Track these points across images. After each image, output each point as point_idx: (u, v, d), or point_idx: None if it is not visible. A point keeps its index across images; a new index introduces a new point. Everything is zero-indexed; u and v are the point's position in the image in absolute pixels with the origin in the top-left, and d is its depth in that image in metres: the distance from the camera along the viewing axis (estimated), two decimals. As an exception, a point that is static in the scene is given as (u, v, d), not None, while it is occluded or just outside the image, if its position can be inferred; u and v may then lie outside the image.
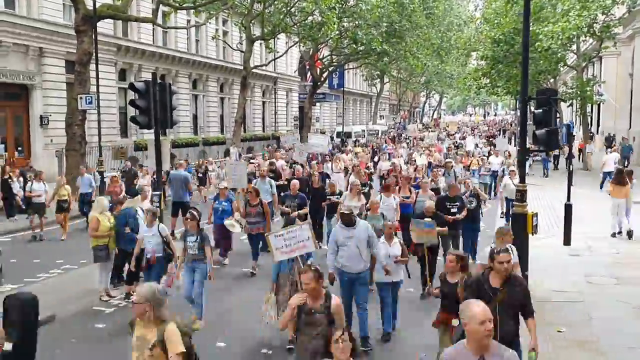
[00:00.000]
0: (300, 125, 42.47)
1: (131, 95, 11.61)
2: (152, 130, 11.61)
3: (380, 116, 69.70)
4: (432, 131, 52.07)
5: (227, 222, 11.62)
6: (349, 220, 7.63)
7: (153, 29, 29.54)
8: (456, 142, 37.86)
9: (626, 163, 23.86)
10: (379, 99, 65.47)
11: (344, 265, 7.55)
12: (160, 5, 22.17)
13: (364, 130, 49.94)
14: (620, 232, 13.85)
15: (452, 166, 17.71)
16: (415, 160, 21.60)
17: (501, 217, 16.17)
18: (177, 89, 30.86)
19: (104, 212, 9.82)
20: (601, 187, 20.89)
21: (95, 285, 9.85)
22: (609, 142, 28.56)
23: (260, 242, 11.12)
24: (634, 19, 27.67)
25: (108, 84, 25.91)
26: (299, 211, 11.48)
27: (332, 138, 31.66)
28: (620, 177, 14.08)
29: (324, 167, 19.64)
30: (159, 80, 12.14)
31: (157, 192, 11.74)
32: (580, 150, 28.07)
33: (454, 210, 10.95)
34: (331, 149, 30.98)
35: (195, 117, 35.08)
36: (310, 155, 24.85)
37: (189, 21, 32.31)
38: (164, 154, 11.82)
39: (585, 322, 8.30)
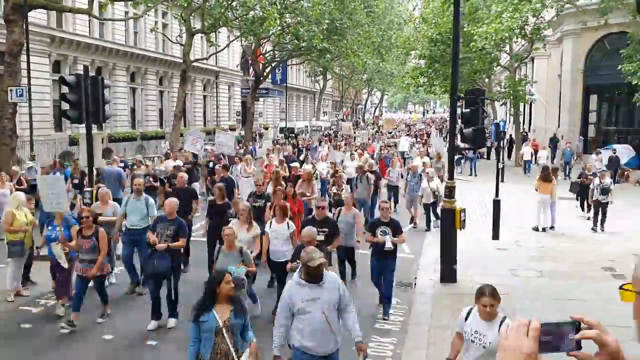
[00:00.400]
0: (243, 120, 42.17)
1: (65, 87, 11.26)
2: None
3: (324, 112, 70.11)
4: (364, 129, 51.76)
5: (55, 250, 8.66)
6: (316, 275, 5.15)
7: (89, 20, 28.64)
8: (390, 142, 35.53)
9: (567, 169, 24.50)
10: (322, 96, 65.83)
11: (305, 345, 5.16)
12: (96, -5, 21.54)
13: (307, 126, 50.13)
14: (544, 228, 14.61)
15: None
16: (343, 166, 18.85)
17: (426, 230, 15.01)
18: (113, 82, 30.50)
19: (20, 207, 9.49)
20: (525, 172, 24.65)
21: (7, 285, 9.47)
22: (554, 142, 29.58)
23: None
24: (562, 23, 28.94)
25: (41, 76, 25.01)
26: (172, 244, 8.14)
27: (238, 140, 28.60)
28: (547, 174, 14.80)
29: (232, 170, 16.80)
30: (94, 74, 11.88)
31: (89, 189, 11.48)
32: (536, 151, 28.18)
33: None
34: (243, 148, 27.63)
35: (133, 111, 34.30)
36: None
37: (126, 13, 31.54)
38: (95, 149, 11.53)
39: (509, 314, 8.69)
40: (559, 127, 31.61)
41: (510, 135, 33.13)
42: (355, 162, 18.80)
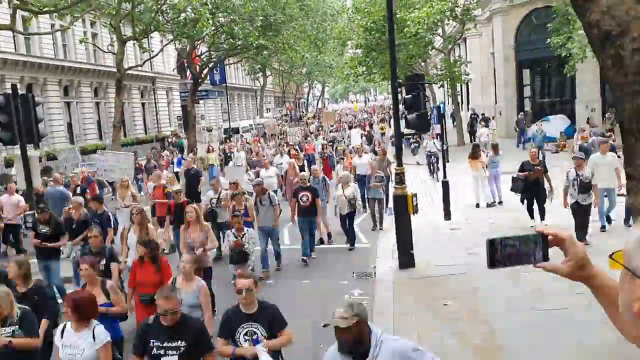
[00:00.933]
0: (185, 125, 41.46)
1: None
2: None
3: (267, 109, 69.74)
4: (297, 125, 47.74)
5: None
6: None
7: (13, 35, 27.46)
8: (331, 137, 32.97)
9: (541, 155, 24.24)
10: (264, 93, 65.45)
11: None
12: (18, 10, 20.64)
13: (251, 125, 49.75)
14: (489, 204, 15.01)
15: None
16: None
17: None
18: (46, 97, 29.42)
19: None
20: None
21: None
22: (486, 121, 30.21)
23: None
24: (490, 1, 29.71)
25: (-34, 98, 23.82)
26: None
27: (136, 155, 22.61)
28: (474, 152, 15.36)
29: (116, 197, 13.73)
30: (25, 91, 11.44)
31: (30, 212, 11.01)
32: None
33: None
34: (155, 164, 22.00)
35: (70, 126, 33.17)
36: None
37: (53, 25, 30.38)
38: (33, 169, 11.07)
39: (470, 292, 8.88)
40: (496, 103, 32.48)
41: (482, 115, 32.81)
42: (273, 170, 16.93)
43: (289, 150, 22.74)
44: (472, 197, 15.34)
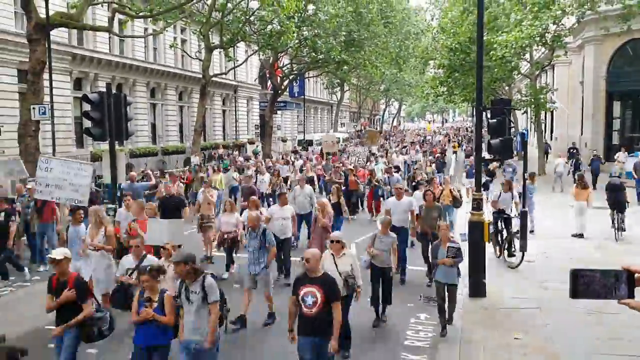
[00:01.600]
0: (262, 134, 42.35)
1: (87, 105, 11.25)
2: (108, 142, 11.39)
3: (342, 124, 70.15)
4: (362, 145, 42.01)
5: None
6: None
7: (109, 37, 29.04)
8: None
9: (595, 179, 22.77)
10: (340, 107, 65.91)
11: None
12: (116, 13, 21.82)
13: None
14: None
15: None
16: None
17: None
18: (134, 98, 30.77)
19: None
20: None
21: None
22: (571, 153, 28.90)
23: None
24: (583, 29, 28.59)
25: (62, 94, 25.35)
26: None
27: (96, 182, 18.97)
28: (584, 182, 14.84)
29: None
30: (115, 90, 11.95)
31: (112, 206, 11.48)
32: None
33: None
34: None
35: (153, 126, 34.59)
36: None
37: (146, 29, 31.90)
38: (119, 165, 11.56)
39: (541, 327, 8.47)
40: (582, 134, 31.15)
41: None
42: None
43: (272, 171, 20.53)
44: (562, 229, 14.74)
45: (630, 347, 7.48)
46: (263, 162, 24.93)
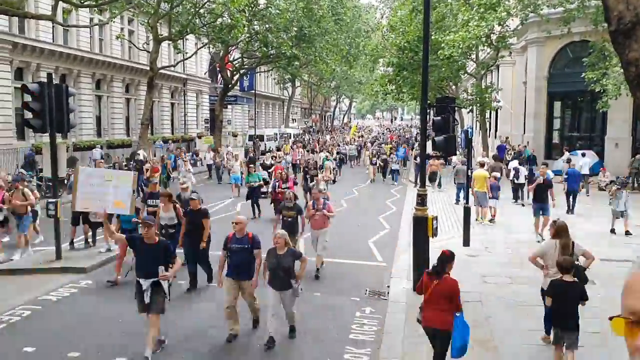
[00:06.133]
0: (212, 128, 41.82)
1: (27, 95, 10.83)
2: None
3: (293, 119, 70.09)
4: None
5: None
6: None
7: (53, 26, 28.03)
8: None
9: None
10: (291, 103, 65.83)
11: None
12: (60, 2, 21.08)
13: (276, 134, 50.02)
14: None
15: None
16: None
17: None
18: (78, 89, 29.88)
19: None
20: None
21: None
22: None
23: None
24: (526, 31, 29.50)
25: (3, 84, 24.43)
26: None
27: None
28: None
29: None
30: (58, 81, 11.61)
31: (53, 200, 11.13)
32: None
33: None
34: None
35: (98, 119, 33.66)
36: None
37: (92, 19, 30.97)
38: (60, 158, 11.21)
39: (482, 321, 8.72)
40: (524, 133, 32.17)
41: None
42: None
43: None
44: (503, 227, 15.18)
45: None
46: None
